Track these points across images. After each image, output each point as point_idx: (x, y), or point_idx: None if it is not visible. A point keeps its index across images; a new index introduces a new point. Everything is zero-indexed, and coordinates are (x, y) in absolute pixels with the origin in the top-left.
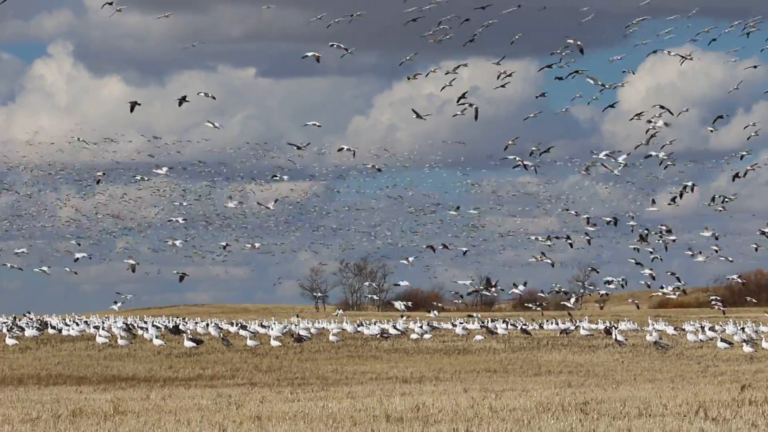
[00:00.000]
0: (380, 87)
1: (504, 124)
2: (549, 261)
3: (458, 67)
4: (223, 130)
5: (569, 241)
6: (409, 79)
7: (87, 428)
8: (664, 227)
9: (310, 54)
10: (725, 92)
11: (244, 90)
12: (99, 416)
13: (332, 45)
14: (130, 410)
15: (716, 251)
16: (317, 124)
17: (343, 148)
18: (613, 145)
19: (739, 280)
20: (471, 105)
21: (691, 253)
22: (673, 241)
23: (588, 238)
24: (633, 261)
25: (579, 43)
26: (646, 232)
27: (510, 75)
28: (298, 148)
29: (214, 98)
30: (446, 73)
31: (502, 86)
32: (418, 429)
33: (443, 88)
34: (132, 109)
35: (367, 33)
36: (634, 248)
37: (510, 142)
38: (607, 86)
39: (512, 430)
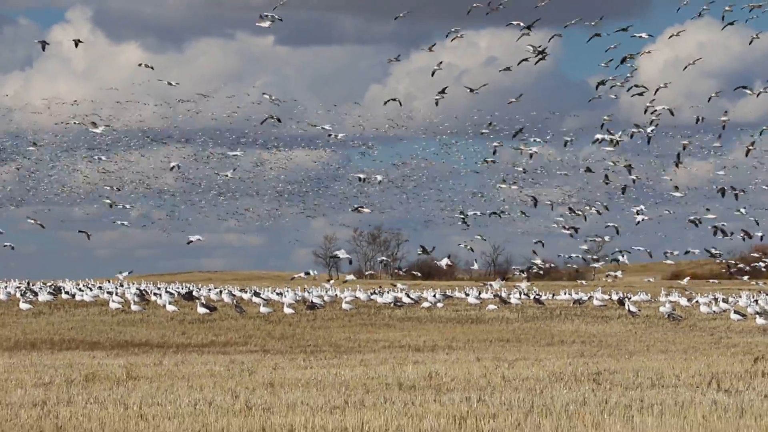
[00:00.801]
0: (398, 55)
1: (522, 94)
2: (567, 231)
3: (454, 38)
4: (240, 97)
5: (590, 211)
6: (430, 49)
7: (100, 393)
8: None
9: (265, 25)
10: (743, 65)
11: (261, 57)
12: (112, 381)
13: (265, 15)
14: (143, 376)
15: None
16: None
17: (389, 101)
18: (631, 116)
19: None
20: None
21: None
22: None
23: (596, 210)
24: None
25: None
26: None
27: (544, 52)
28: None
29: (177, 83)
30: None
31: (542, 58)
32: (430, 397)
33: (433, 73)
34: (43, 48)
35: (386, 0)
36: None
37: (514, 100)
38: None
39: (525, 399)
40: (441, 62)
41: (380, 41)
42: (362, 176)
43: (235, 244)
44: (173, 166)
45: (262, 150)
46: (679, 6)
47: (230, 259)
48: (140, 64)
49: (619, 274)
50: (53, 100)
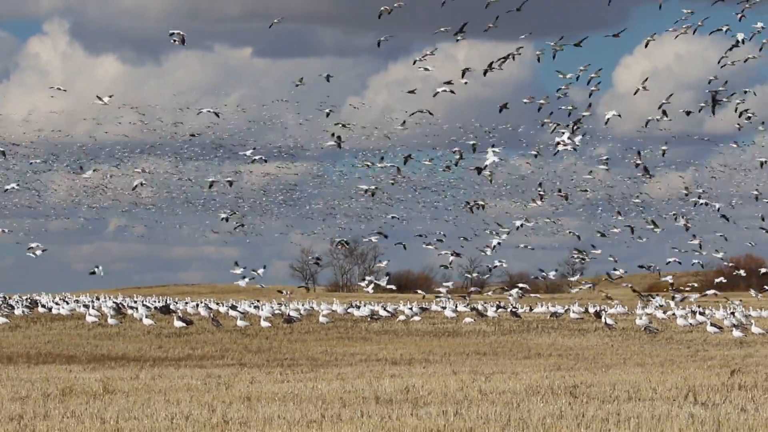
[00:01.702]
0: (376, 67)
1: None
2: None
3: (429, 54)
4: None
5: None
6: (415, 63)
7: (76, 407)
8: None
9: (175, 33)
10: (721, 76)
11: (239, 70)
12: (88, 395)
13: (171, 33)
14: (120, 389)
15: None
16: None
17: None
18: (608, 127)
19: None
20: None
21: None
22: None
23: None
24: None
25: None
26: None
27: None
28: (339, 144)
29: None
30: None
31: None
32: (407, 411)
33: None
34: None
35: (365, 13)
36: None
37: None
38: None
39: (502, 413)
40: (449, 82)
41: (359, 53)
42: (366, 187)
43: (213, 257)
44: (136, 185)
45: (240, 162)
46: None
47: (208, 272)
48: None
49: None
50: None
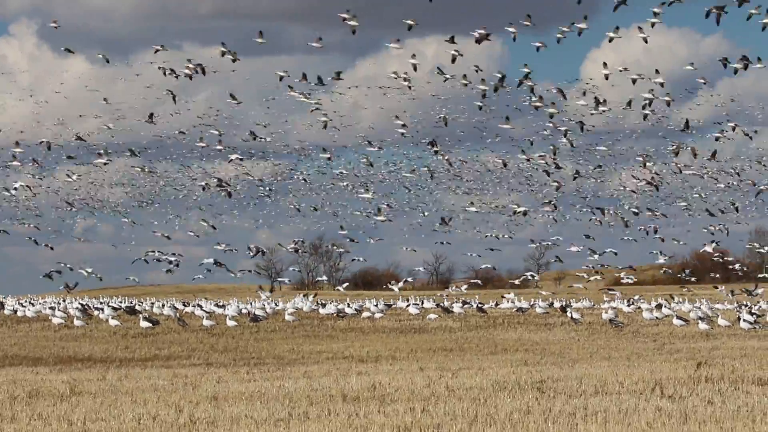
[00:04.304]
0: (344, 65)
1: (468, 101)
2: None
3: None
4: (187, 109)
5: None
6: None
7: (44, 409)
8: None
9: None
10: (689, 69)
11: (208, 68)
12: (55, 397)
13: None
14: (87, 391)
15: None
16: None
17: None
18: (574, 122)
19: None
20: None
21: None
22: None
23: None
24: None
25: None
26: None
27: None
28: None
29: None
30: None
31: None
32: (374, 408)
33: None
34: None
35: (334, 10)
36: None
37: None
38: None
39: (469, 409)
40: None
41: (327, 50)
42: (367, 196)
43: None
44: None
45: (207, 161)
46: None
47: (180, 271)
48: None
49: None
50: None
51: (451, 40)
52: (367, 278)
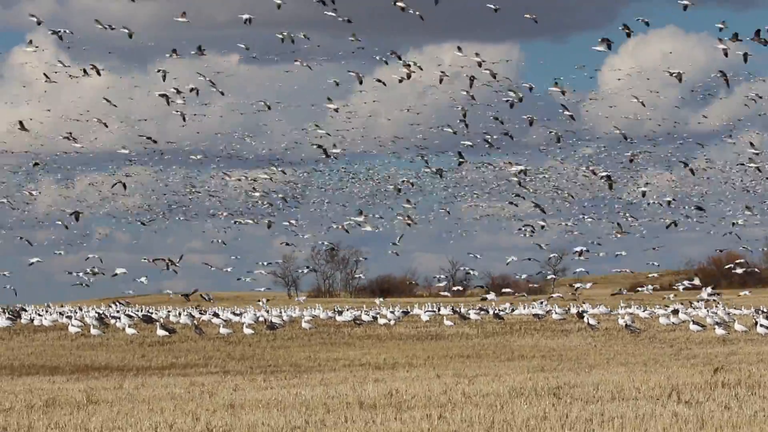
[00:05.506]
0: (362, 73)
1: (485, 108)
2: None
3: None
4: (204, 117)
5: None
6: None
7: (60, 418)
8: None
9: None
10: (707, 75)
11: (226, 76)
12: (72, 406)
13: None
14: (104, 400)
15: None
16: None
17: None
18: (592, 128)
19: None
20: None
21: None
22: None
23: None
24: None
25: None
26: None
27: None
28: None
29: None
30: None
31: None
32: (391, 415)
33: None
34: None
35: (353, 17)
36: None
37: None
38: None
39: (485, 415)
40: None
41: (344, 58)
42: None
43: (198, 264)
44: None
45: (225, 169)
46: None
47: (192, 280)
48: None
49: (587, 285)
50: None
51: (458, 50)
52: (385, 285)
